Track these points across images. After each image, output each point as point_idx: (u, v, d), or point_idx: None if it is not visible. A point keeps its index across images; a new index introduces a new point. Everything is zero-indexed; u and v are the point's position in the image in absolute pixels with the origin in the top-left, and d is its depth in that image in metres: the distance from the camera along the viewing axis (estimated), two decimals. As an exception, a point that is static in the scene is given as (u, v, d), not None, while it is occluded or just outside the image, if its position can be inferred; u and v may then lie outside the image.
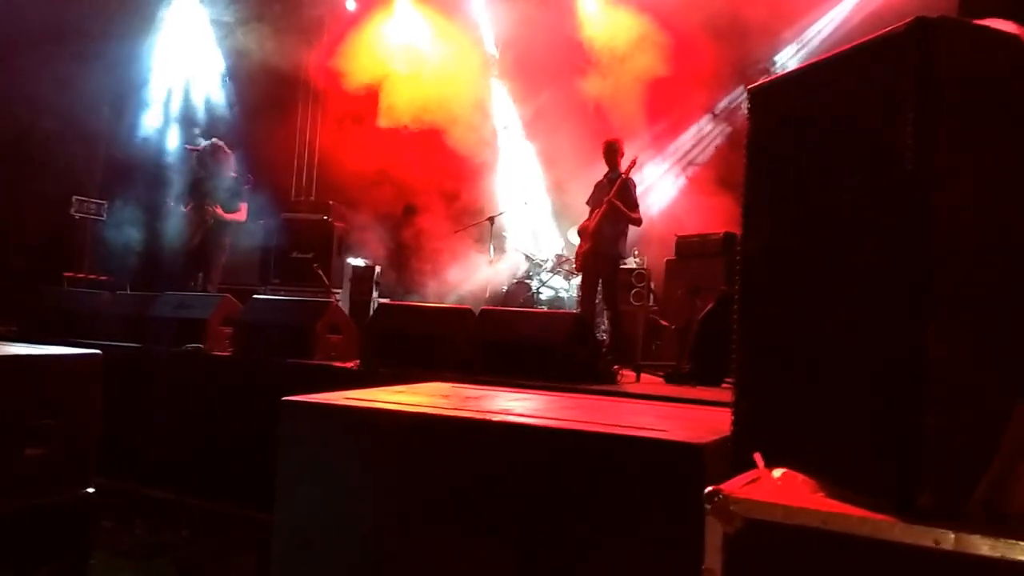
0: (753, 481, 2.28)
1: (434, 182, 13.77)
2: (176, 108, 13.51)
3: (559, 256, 12.79)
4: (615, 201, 9.09)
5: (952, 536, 1.79)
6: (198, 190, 10.64)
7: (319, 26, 15.34)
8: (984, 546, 1.76)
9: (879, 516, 1.90)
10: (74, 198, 11.98)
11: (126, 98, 12.73)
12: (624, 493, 2.89)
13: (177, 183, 11.53)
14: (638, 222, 9.43)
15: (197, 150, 11.21)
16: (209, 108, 13.68)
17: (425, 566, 3.20)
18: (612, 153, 9.57)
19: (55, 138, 11.36)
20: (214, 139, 11.33)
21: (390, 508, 3.31)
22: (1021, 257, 1.99)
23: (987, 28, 2.06)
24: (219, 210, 10.41)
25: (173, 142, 13.09)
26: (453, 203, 13.95)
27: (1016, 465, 1.90)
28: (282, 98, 14.55)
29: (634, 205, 9.34)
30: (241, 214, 10.66)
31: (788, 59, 12.92)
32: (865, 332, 2.08)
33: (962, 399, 1.91)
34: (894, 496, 1.92)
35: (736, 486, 2.19)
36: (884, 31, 2.07)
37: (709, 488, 2.13)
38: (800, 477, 2.24)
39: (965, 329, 1.93)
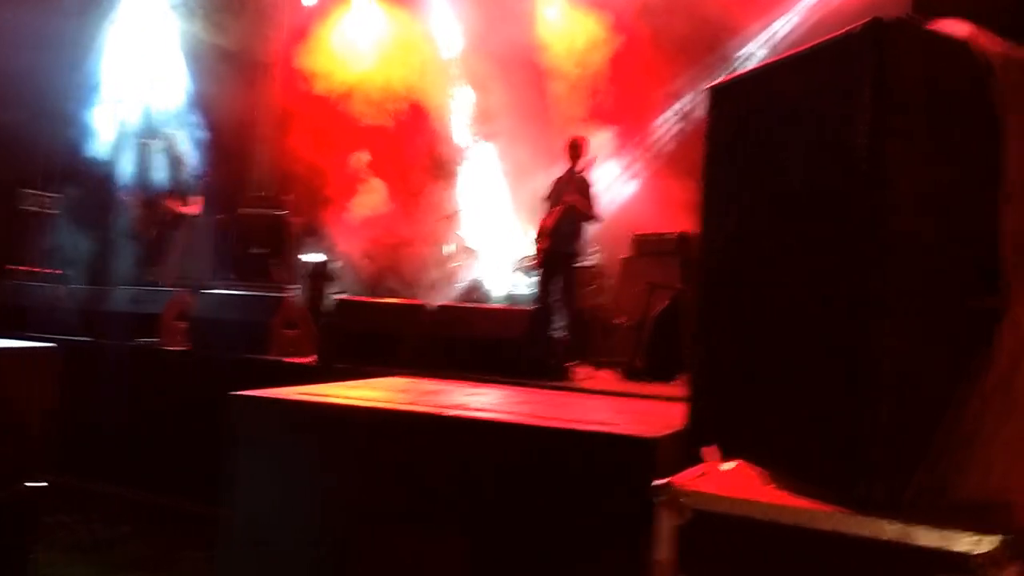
0: (704, 474, 2.36)
1: (393, 178, 13.73)
2: (131, 100, 13.33)
3: (517, 253, 12.82)
4: (573, 199, 9.13)
5: (895, 527, 1.86)
6: (152, 185, 10.56)
7: (278, 20, 15.23)
8: (925, 536, 1.83)
9: (827, 508, 1.97)
10: (25, 191, 11.84)
11: (79, 89, 12.54)
12: (578, 486, 2.96)
13: (131, 177, 11.38)
14: (597, 219, 9.47)
15: (152, 143, 11.12)
16: (165, 102, 13.50)
17: (380, 560, 3.24)
18: (575, 150, 9.56)
19: (5, 130, 11.18)
20: (169, 132, 11.25)
21: (344, 503, 3.35)
22: (966, 254, 2.04)
23: (940, 29, 2.12)
24: (175, 204, 10.34)
25: (128, 135, 12.92)
26: (412, 199, 13.93)
27: (956, 458, 1.96)
28: (239, 93, 14.39)
29: (592, 203, 9.38)
30: (196, 208, 10.60)
31: (749, 58, 12.94)
32: (816, 329, 2.13)
33: (908, 394, 1.96)
34: (842, 488, 1.98)
35: (687, 479, 2.28)
36: (841, 31, 2.12)
37: (660, 481, 2.21)
38: (752, 470, 2.32)
39: (912, 325, 1.98)
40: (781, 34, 12.73)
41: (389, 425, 3.36)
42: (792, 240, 2.26)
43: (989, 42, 2.10)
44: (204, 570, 5.15)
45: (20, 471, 3.74)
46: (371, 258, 13.34)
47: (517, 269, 12.79)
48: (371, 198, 13.57)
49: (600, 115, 12.58)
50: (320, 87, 13.56)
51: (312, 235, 13.13)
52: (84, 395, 6.67)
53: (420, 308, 7.09)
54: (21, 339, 4.29)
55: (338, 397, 3.66)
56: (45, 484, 3.79)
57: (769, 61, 2.58)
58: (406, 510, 3.22)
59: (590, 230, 9.78)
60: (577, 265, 9.75)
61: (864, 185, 1.98)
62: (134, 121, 13.03)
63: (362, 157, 13.73)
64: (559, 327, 9.55)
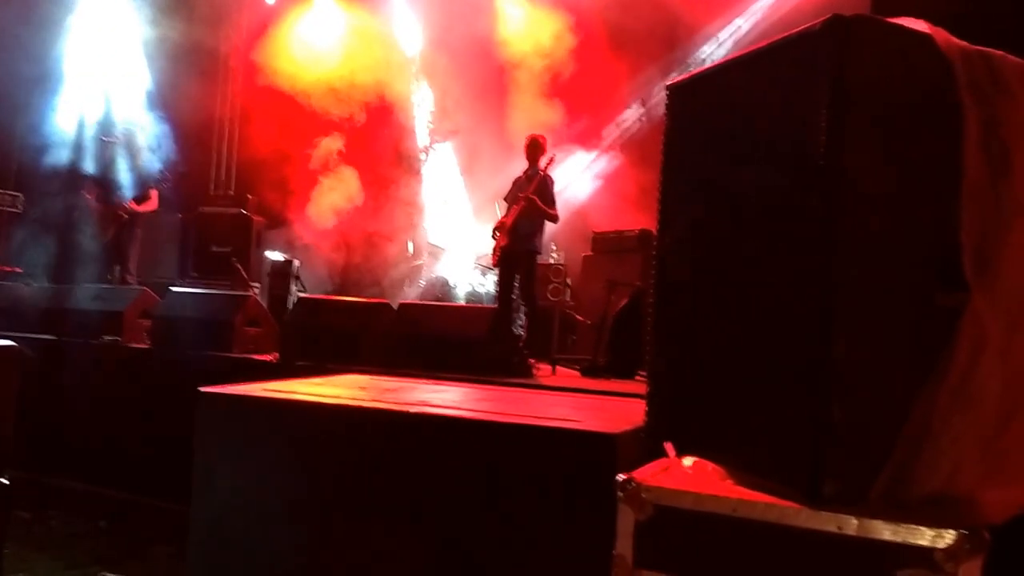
0: (664, 469, 2.35)
1: (356, 175, 13.71)
2: (92, 98, 13.21)
3: (478, 251, 12.87)
4: (533, 198, 9.17)
5: (855, 522, 1.87)
6: (112, 182, 10.51)
7: (239, 17, 15.14)
8: (886, 531, 1.84)
9: (786, 503, 1.97)
10: None
11: (40, 87, 12.42)
12: (539, 481, 2.97)
13: (92, 175, 11.30)
14: (555, 219, 9.50)
15: (112, 141, 11.05)
16: (125, 99, 13.38)
17: (342, 554, 3.25)
18: (534, 149, 9.56)
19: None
20: (128, 130, 11.19)
21: (307, 498, 3.35)
22: (927, 252, 2.06)
23: (901, 27, 2.11)
24: (132, 204, 10.32)
25: (88, 133, 12.80)
26: (375, 196, 13.92)
27: (917, 453, 1.98)
28: (200, 91, 14.28)
29: (552, 202, 9.39)
30: (152, 203, 10.56)
31: (709, 55, 12.98)
32: (774, 327, 2.14)
33: (866, 393, 1.98)
34: (801, 484, 1.99)
35: (648, 474, 2.26)
36: (801, 28, 2.10)
37: (621, 476, 2.20)
38: (710, 466, 2.32)
39: (870, 325, 1.99)
40: (744, 31, 12.79)
41: (352, 421, 3.36)
42: (749, 239, 2.26)
43: (948, 39, 2.10)
44: (169, 565, 5.18)
45: (-13, 468, 3.74)
46: (334, 256, 13.34)
47: (476, 267, 12.83)
48: (333, 196, 13.53)
49: (560, 113, 12.62)
50: (281, 84, 13.48)
51: (274, 230, 13.11)
52: (48, 392, 6.69)
53: (381, 307, 7.12)
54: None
55: (302, 394, 3.65)
56: (7, 481, 3.79)
57: (728, 58, 2.54)
58: (369, 505, 3.22)
59: (550, 228, 9.83)
60: (537, 263, 9.81)
61: (821, 184, 1.97)
62: (94, 118, 12.93)
63: (326, 149, 13.69)
64: (519, 325, 9.61)
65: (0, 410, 3.83)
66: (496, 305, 9.91)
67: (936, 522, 1.81)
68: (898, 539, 1.82)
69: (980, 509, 1.95)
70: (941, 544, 1.78)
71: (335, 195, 13.50)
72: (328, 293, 12.31)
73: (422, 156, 14.83)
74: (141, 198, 10.42)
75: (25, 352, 4.03)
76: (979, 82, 2.08)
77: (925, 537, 1.80)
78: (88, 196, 10.60)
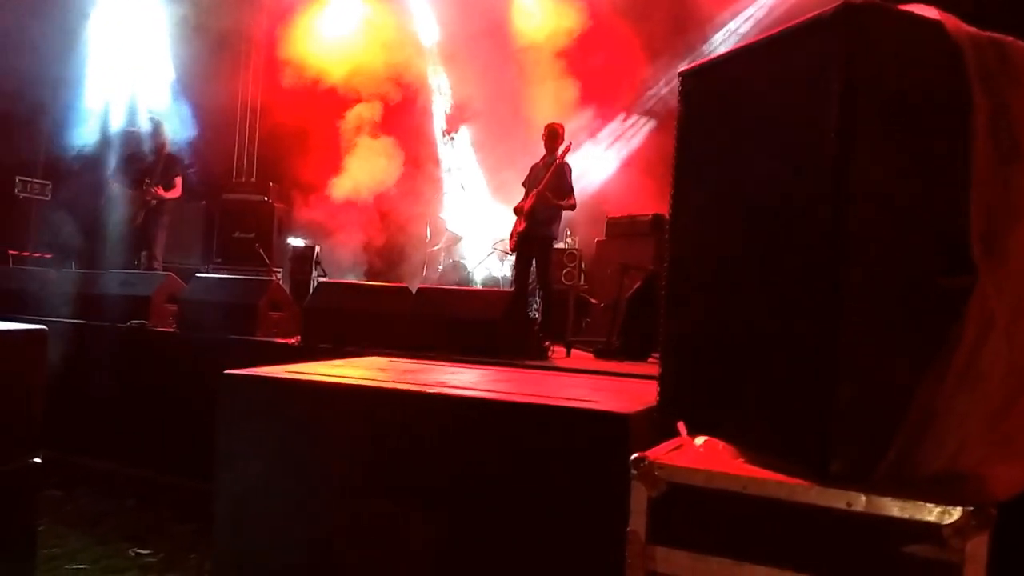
0: (677, 448, 2.38)
1: (375, 162, 13.76)
2: (117, 87, 13.31)
3: (494, 237, 12.93)
4: (546, 194, 9.24)
5: (863, 498, 1.89)
6: (139, 170, 10.61)
7: (262, 6, 15.18)
8: (894, 507, 1.86)
9: (796, 481, 1.99)
10: (18, 179, 11.89)
11: (68, 77, 12.54)
12: (555, 460, 2.98)
13: (119, 163, 11.43)
14: (572, 207, 9.55)
15: (138, 131, 11.17)
16: (150, 87, 13.49)
17: (363, 533, 3.27)
18: (553, 137, 9.62)
19: (-1, 119, 11.23)
20: (154, 119, 11.29)
21: (328, 477, 3.38)
22: (935, 235, 2.06)
23: (911, 13, 2.10)
24: (159, 190, 10.41)
25: (115, 121, 12.93)
26: (396, 184, 13.99)
27: (923, 432, 1.99)
28: (223, 79, 14.37)
29: (569, 190, 9.44)
30: (177, 190, 10.64)
31: (721, 42, 12.96)
32: (783, 309, 2.14)
33: (873, 371, 1.98)
34: (809, 462, 1.99)
35: (661, 453, 2.29)
36: (812, 15, 2.09)
37: (635, 455, 2.22)
38: (721, 445, 2.34)
39: (877, 306, 1.99)
40: (759, 16, 12.77)
41: (372, 402, 3.38)
42: (760, 223, 2.26)
43: (958, 25, 2.08)
44: (195, 541, 5.27)
45: (20, 448, 3.83)
46: (354, 241, 13.42)
47: (493, 252, 12.89)
48: (356, 178, 13.59)
49: (576, 98, 12.63)
50: (302, 73, 13.55)
51: (296, 217, 13.20)
52: (77, 375, 6.79)
53: (400, 290, 7.16)
54: (14, 321, 4.35)
55: (323, 375, 3.66)
56: (39, 460, 3.88)
57: (739, 46, 2.50)
58: (389, 484, 3.25)
59: (566, 214, 9.88)
60: (552, 248, 9.85)
61: (832, 170, 1.97)
62: (120, 106, 13.05)
63: (356, 119, 13.76)
64: (535, 308, 9.67)
65: (30, 392, 3.93)
66: (512, 289, 9.99)
67: (943, 499, 1.82)
68: (906, 515, 1.84)
69: (986, 486, 1.95)
70: (948, 520, 1.79)
71: (360, 176, 13.56)
72: (348, 277, 12.40)
73: (444, 141, 14.87)
74: (167, 185, 10.52)
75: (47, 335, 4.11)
76: (989, 68, 2.07)
77: (932, 513, 1.81)
78: (115, 183, 10.69)
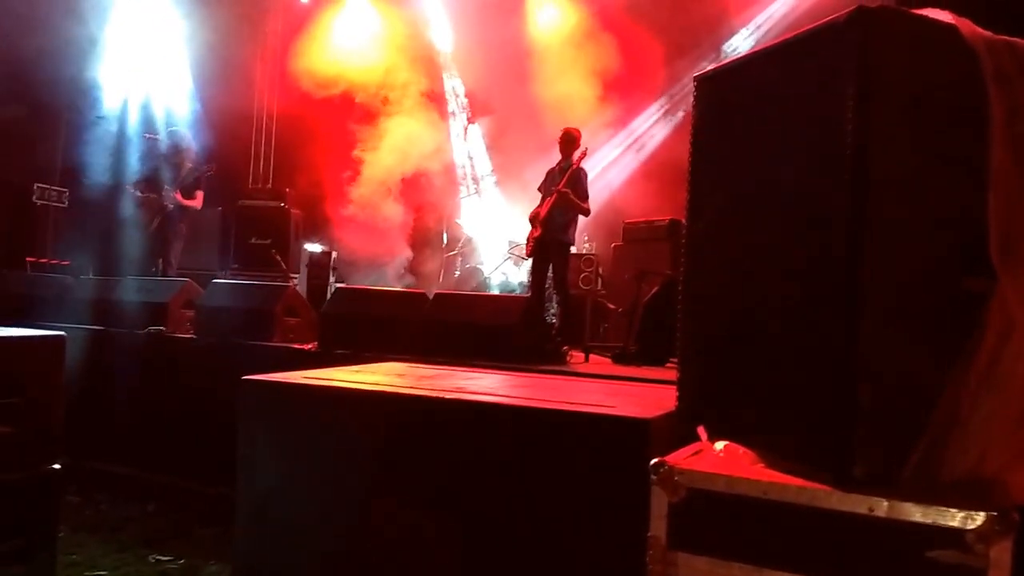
0: (697, 453, 2.39)
1: (388, 169, 13.80)
2: (134, 95, 13.39)
3: (511, 242, 12.93)
4: (566, 191, 9.21)
5: (885, 504, 1.88)
6: (157, 177, 10.63)
7: (276, 15, 15.28)
8: (916, 513, 1.85)
9: (817, 486, 1.99)
10: (36, 185, 11.96)
11: (85, 84, 12.62)
12: (574, 466, 2.99)
13: (136, 170, 11.48)
14: (587, 212, 9.51)
15: (156, 138, 11.22)
16: (167, 95, 13.57)
17: (379, 536, 3.29)
18: (569, 142, 9.59)
19: (16, 126, 11.29)
20: (173, 127, 11.34)
21: (347, 482, 3.41)
22: (954, 239, 2.06)
23: (925, 17, 2.11)
24: (178, 196, 10.44)
25: (132, 129, 13.01)
26: (409, 190, 14.00)
27: (948, 436, 1.99)
28: (239, 86, 14.45)
29: (584, 195, 9.41)
30: (197, 202, 10.66)
31: (737, 47, 12.96)
32: (803, 312, 2.14)
33: (895, 376, 1.98)
34: (831, 467, 2.00)
35: (680, 458, 2.29)
36: (826, 20, 2.10)
37: (655, 460, 2.23)
38: (741, 450, 2.34)
39: (898, 309, 1.99)
40: (775, 19, 12.75)
41: (390, 407, 3.40)
42: (777, 227, 2.27)
43: (973, 29, 2.09)
44: (215, 546, 5.27)
45: (38, 453, 3.84)
46: (371, 245, 13.43)
47: (510, 257, 12.89)
48: (372, 185, 13.62)
49: (593, 103, 12.63)
50: (316, 79, 13.60)
51: (312, 223, 13.23)
52: (96, 381, 6.84)
53: (417, 296, 7.17)
54: (33, 328, 4.37)
55: (341, 381, 3.69)
56: (59, 466, 3.89)
57: (754, 50, 2.52)
58: (407, 489, 3.26)
59: (582, 219, 9.87)
60: (569, 254, 9.84)
61: (848, 173, 1.98)
62: (137, 114, 13.12)
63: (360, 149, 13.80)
64: (552, 313, 9.66)
65: (50, 399, 3.94)
66: (529, 294, 9.98)
67: (966, 504, 1.82)
68: (928, 520, 1.84)
69: (1010, 491, 1.95)
70: (971, 525, 1.79)
71: (374, 183, 13.59)
72: (363, 283, 12.41)
73: (459, 145, 14.91)
74: (187, 193, 10.54)
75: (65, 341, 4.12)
76: (1005, 71, 2.07)
77: (955, 519, 1.81)
78: (133, 191, 10.73)
